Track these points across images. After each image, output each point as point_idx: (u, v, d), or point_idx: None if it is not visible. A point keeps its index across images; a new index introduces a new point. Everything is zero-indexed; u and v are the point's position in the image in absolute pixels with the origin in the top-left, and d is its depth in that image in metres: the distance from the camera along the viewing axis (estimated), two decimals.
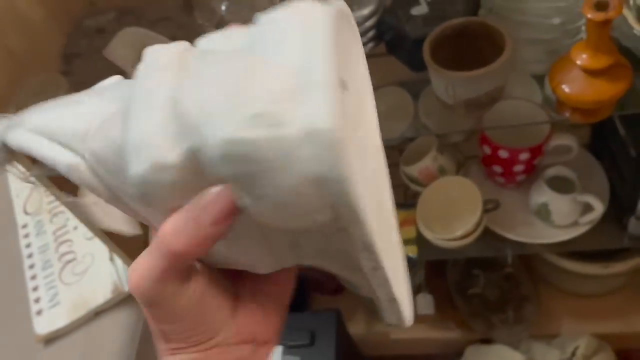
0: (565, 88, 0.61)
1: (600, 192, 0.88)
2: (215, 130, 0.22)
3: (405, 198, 1.01)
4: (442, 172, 0.94)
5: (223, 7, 0.72)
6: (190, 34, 0.30)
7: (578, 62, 0.59)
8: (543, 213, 0.87)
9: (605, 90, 0.59)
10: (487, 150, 0.88)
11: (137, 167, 0.23)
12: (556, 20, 0.63)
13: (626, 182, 0.81)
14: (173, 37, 0.89)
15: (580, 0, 0.61)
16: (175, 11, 0.88)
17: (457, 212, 0.92)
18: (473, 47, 0.66)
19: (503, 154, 0.86)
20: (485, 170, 0.96)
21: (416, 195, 0.98)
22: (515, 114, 0.78)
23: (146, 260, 0.24)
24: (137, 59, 0.26)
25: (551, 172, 0.87)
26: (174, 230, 0.23)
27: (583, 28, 0.64)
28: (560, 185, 0.87)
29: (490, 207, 0.87)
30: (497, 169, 0.90)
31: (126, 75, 0.30)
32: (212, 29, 0.72)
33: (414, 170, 0.95)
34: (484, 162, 0.93)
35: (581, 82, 0.60)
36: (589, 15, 0.54)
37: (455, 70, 0.61)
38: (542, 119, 0.79)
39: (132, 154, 0.23)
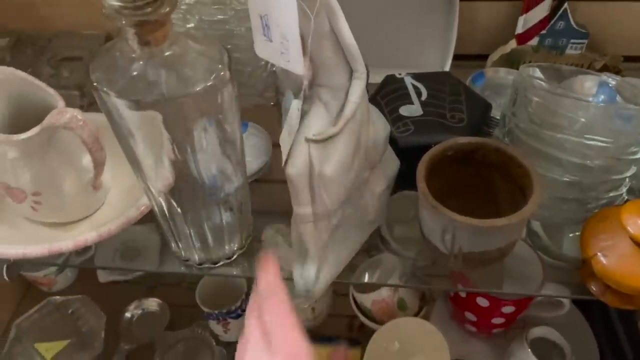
0: (603, 258, 0.44)
1: None
2: None
3: (350, 330, 0.80)
4: (401, 307, 0.75)
5: None
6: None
7: (630, 229, 0.42)
8: None
9: None
10: (462, 292, 0.70)
11: None
12: (595, 162, 0.46)
13: None
14: (79, 87, 0.66)
15: (635, 144, 0.45)
16: (91, 52, 0.67)
17: None
18: (479, 174, 0.49)
19: (482, 302, 0.68)
20: (454, 310, 0.77)
21: (363, 328, 0.78)
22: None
23: None
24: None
25: (537, 332, 0.70)
26: None
27: (627, 181, 0.48)
28: (545, 350, 0.69)
29: None
30: (471, 316, 0.71)
31: None
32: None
33: (367, 300, 0.74)
34: (453, 301, 0.74)
35: (629, 258, 0.42)
36: None
37: (456, 206, 0.43)
38: (536, 269, 0.62)
39: None
